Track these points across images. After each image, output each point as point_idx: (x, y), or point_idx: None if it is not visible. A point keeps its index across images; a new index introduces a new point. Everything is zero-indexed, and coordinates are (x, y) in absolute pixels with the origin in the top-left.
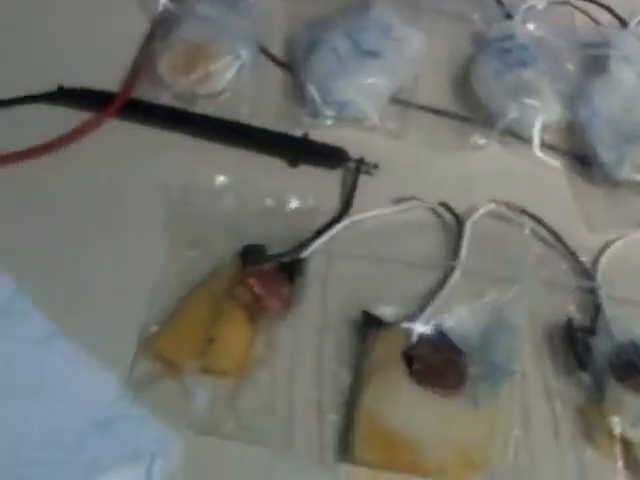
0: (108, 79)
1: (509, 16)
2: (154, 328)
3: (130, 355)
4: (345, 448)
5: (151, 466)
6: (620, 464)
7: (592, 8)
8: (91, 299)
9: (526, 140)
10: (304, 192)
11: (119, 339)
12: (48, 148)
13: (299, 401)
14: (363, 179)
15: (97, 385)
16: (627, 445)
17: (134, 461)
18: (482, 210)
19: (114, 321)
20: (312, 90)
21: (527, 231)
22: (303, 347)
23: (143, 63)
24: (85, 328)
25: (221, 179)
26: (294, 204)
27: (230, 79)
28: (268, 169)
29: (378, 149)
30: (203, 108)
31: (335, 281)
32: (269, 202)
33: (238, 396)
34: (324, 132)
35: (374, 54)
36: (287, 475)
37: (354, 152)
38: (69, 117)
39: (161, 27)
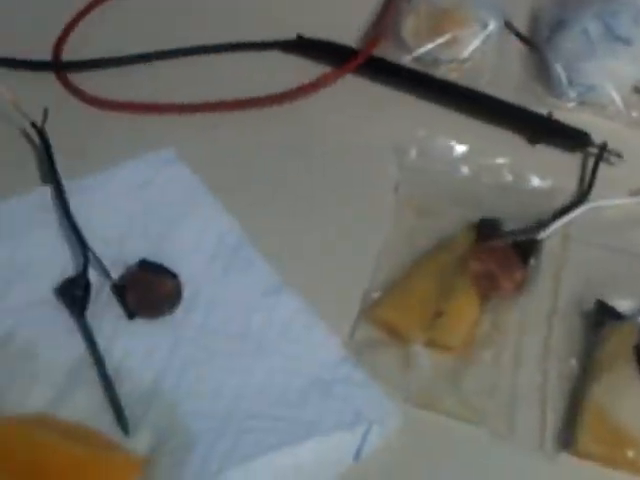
0: (343, 33)
1: None
2: (377, 294)
3: (352, 318)
4: (567, 438)
5: (367, 432)
6: None
7: None
8: (315, 256)
9: None
10: (542, 171)
11: (341, 301)
12: (286, 97)
13: (522, 385)
14: (601, 166)
15: (321, 345)
16: None
17: (353, 425)
18: None
19: (337, 282)
20: (559, 70)
21: None
22: (531, 332)
23: (387, 22)
24: (308, 285)
25: (460, 148)
26: (535, 182)
27: (475, 48)
28: (506, 143)
29: (616, 136)
30: (444, 74)
31: (570, 267)
32: (508, 177)
33: (460, 373)
34: (564, 113)
35: (625, 40)
36: (506, 460)
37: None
38: (303, 67)
39: None
